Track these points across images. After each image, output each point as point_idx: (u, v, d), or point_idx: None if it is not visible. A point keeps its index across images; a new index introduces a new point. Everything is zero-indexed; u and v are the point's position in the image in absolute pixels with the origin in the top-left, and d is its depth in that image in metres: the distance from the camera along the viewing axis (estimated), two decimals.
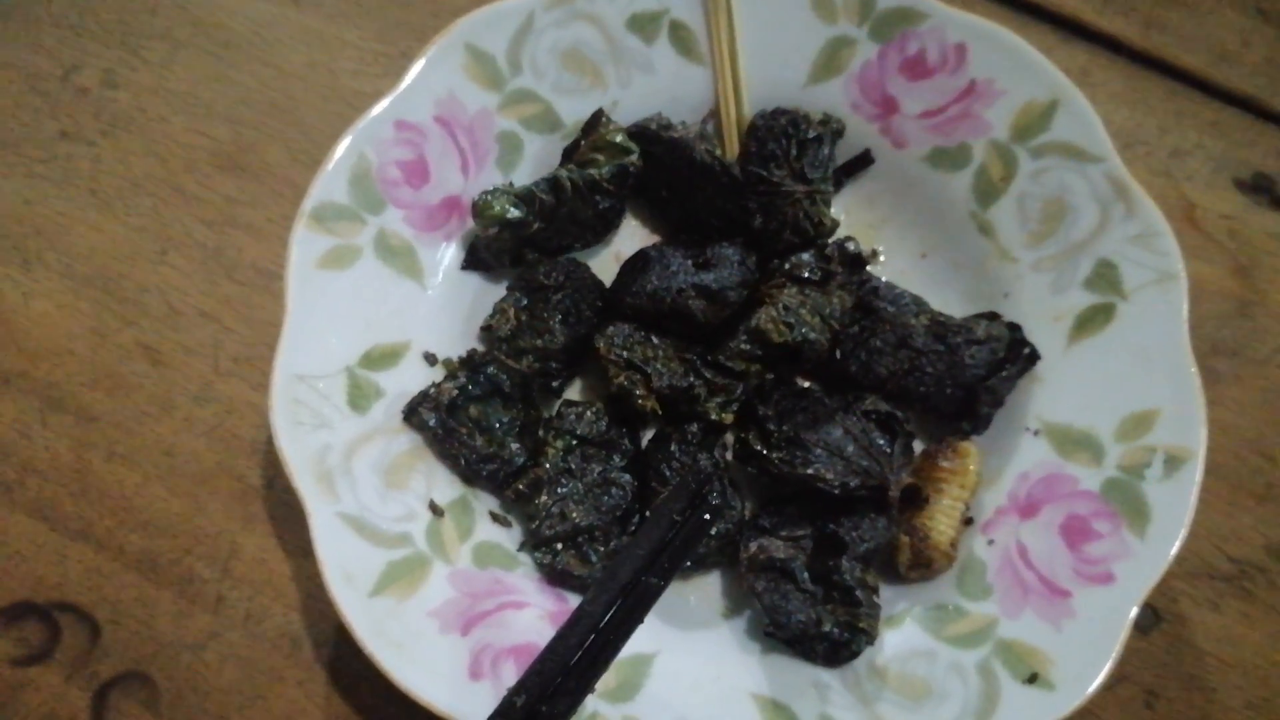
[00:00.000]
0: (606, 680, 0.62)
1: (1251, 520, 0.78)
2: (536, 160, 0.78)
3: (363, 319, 0.72)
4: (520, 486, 0.72)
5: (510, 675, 0.67)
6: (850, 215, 0.81)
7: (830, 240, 0.78)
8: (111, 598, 0.75)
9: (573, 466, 0.73)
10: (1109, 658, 0.65)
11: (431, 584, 0.69)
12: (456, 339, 0.76)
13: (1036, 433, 0.74)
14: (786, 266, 0.76)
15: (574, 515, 0.72)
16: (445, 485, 0.73)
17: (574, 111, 0.77)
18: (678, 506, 0.62)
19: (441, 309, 0.76)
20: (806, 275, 0.75)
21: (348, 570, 0.66)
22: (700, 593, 0.74)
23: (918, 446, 0.75)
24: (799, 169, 0.76)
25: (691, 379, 0.74)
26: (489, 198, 0.74)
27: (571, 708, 0.56)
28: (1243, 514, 0.78)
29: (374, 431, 0.71)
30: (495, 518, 0.73)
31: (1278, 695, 0.75)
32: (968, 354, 0.73)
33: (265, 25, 0.88)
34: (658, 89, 0.78)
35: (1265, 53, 0.89)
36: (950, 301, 0.78)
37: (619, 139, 0.76)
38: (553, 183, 0.75)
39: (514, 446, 0.73)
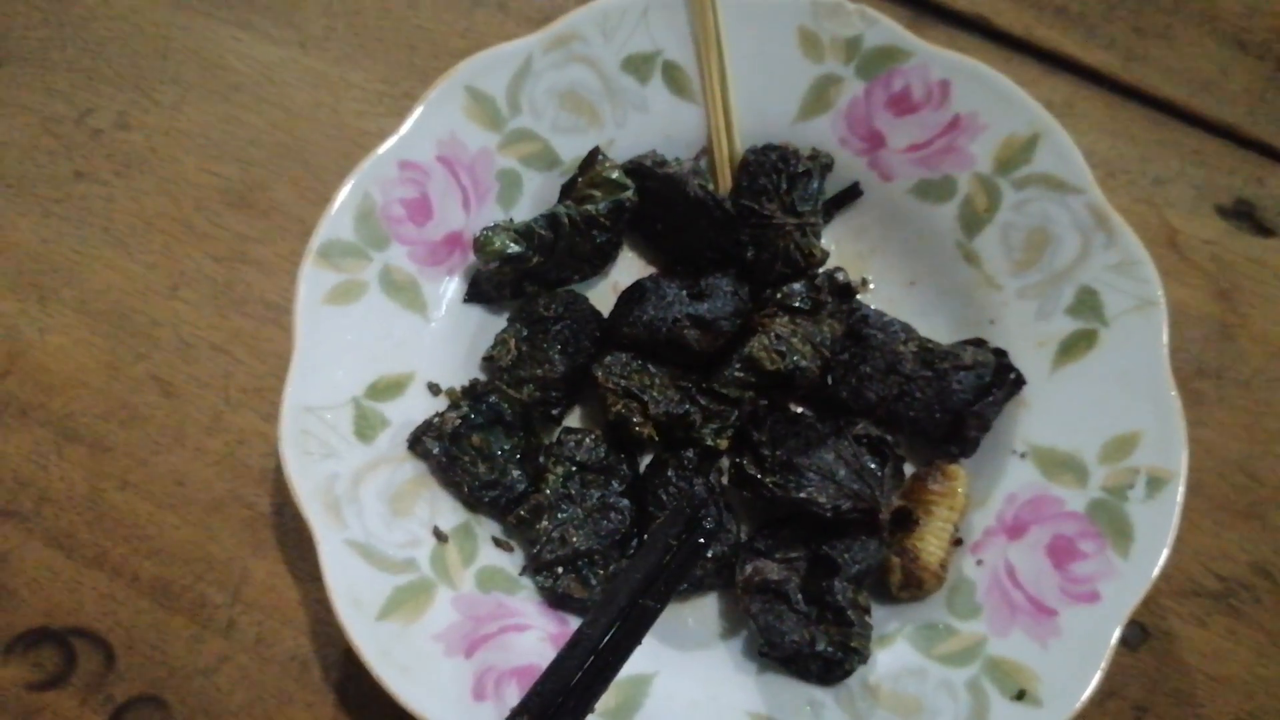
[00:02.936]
0: (606, 700, 0.63)
1: (1237, 539, 0.79)
2: (536, 197, 0.79)
3: (368, 351, 0.74)
4: (522, 512, 0.74)
5: (513, 696, 0.68)
6: (840, 246, 0.82)
7: (820, 271, 0.79)
8: (126, 623, 0.76)
9: (572, 492, 0.75)
10: (1095, 674, 0.67)
11: (436, 608, 0.70)
12: (459, 369, 0.78)
13: (1023, 455, 0.75)
14: (778, 296, 0.78)
15: (574, 540, 0.73)
16: (449, 512, 0.74)
17: (572, 150, 0.79)
18: (674, 531, 0.63)
19: (444, 341, 0.77)
20: (798, 305, 0.77)
21: (355, 595, 0.68)
22: (698, 614, 0.75)
23: (908, 470, 0.77)
24: (789, 202, 0.78)
25: (687, 406, 0.75)
26: (490, 234, 0.75)
27: None
28: (1228, 533, 0.79)
29: (380, 460, 0.73)
30: (497, 543, 0.75)
31: (1264, 710, 0.76)
32: (955, 379, 0.75)
33: (273, 68, 0.90)
34: (652, 127, 0.80)
35: (1244, 82, 0.91)
36: (938, 328, 0.79)
37: (615, 175, 0.78)
38: (551, 218, 0.77)
39: (515, 473, 0.75)
